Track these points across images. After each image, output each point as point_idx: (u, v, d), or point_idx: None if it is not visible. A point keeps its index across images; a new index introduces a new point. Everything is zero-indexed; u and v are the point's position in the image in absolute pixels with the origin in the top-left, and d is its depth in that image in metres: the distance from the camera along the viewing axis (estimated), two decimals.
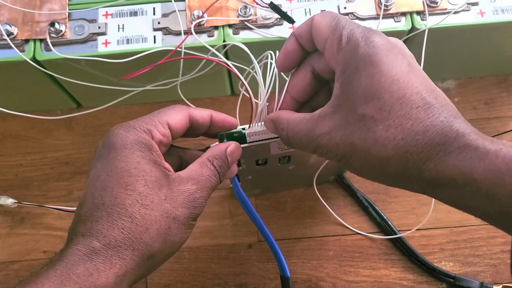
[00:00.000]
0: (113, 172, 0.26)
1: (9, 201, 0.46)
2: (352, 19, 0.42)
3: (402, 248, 0.44)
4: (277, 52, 0.30)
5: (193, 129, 0.31)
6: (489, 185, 0.22)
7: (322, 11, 0.42)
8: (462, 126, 0.23)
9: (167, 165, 0.28)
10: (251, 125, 0.32)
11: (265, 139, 0.33)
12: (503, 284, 0.43)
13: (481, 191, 0.22)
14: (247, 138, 0.32)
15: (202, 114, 0.31)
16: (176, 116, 0.29)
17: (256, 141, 0.33)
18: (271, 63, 0.30)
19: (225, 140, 0.32)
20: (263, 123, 0.31)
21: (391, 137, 0.23)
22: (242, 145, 0.32)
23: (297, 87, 0.30)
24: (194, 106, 0.31)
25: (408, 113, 0.23)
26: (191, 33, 0.40)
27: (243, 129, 0.32)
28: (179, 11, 0.42)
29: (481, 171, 0.22)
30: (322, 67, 0.29)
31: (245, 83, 0.31)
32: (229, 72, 0.47)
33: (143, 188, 0.26)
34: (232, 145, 0.31)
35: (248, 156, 0.35)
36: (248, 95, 0.31)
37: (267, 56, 0.30)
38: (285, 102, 0.30)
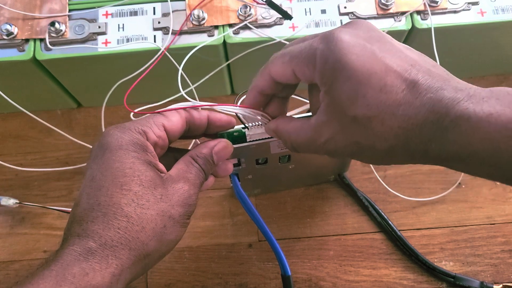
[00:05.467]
0: (108, 172, 0.26)
1: (11, 202, 0.46)
2: (352, 18, 0.42)
3: (402, 248, 0.44)
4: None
5: (191, 131, 0.31)
6: (489, 155, 0.22)
7: (322, 10, 0.42)
8: (451, 95, 0.22)
9: (161, 166, 0.28)
10: (248, 126, 0.32)
11: (265, 138, 0.33)
12: (504, 284, 0.43)
13: (484, 161, 0.22)
14: (247, 138, 0.32)
15: (199, 115, 0.31)
16: (172, 118, 0.29)
17: (256, 140, 0.33)
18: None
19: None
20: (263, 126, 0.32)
21: (388, 128, 0.23)
22: (242, 144, 0.32)
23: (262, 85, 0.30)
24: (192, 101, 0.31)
25: (396, 100, 0.23)
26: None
27: (244, 128, 0.32)
28: (179, 10, 0.42)
29: (478, 142, 0.22)
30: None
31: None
32: (229, 72, 0.47)
33: (138, 187, 0.26)
34: (219, 144, 0.31)
35: (248, 156, 0.35)
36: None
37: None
38: (265, 82, 0.30)
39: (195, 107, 0.31)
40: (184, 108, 0.30)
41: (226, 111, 0.31)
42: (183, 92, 0.36)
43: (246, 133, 0.32)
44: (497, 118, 0.21)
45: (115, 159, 0.26)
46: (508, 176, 0.23)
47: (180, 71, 0.39)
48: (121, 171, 0.26)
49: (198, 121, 0.30)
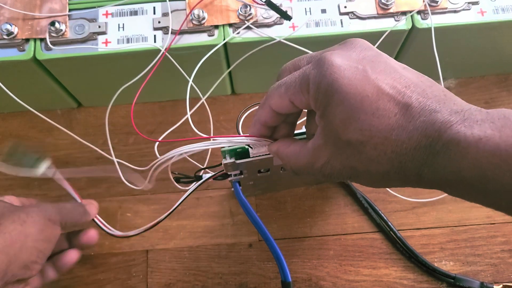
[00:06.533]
0: None
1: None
2: (352, 18, 0.42)
3: (402, 249, 0.44)
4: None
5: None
6: (477, 181, 0.21)
7: (322, 10, 0.42)
8: (444, 118, 0.22)
9: None
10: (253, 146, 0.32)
11: (269, 154, 0.32)
12: (504, 284, 0.43)
13: (473, 187, 0.22)
14: (250, 154, 0.32)
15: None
16: None
17: (260, 155, 0.32)
18: None
19: (226, 156, 0.32)
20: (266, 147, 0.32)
21: (381, 153, 0.23)
22: (245, 160, 0.32)
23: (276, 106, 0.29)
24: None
25: (388, 125, 0.23)
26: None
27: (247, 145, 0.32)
28: (179, 10, 0.42)
29: (466, 168, 0.21)
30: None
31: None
32: (230, 71, 0.47)
33: None
34: None
35: (250, 168, 0.35)
36: None
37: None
38: (267, 114, 0.29)
39: (204, 139, 0.31)
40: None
41: (235, 142, 0.30)
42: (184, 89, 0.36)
43: (250, 151, 0.32)
44: (485, 144, 0.21)
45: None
46: (497, 205, 0.22)
47: (191, 82, 0.39)
48: None
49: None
